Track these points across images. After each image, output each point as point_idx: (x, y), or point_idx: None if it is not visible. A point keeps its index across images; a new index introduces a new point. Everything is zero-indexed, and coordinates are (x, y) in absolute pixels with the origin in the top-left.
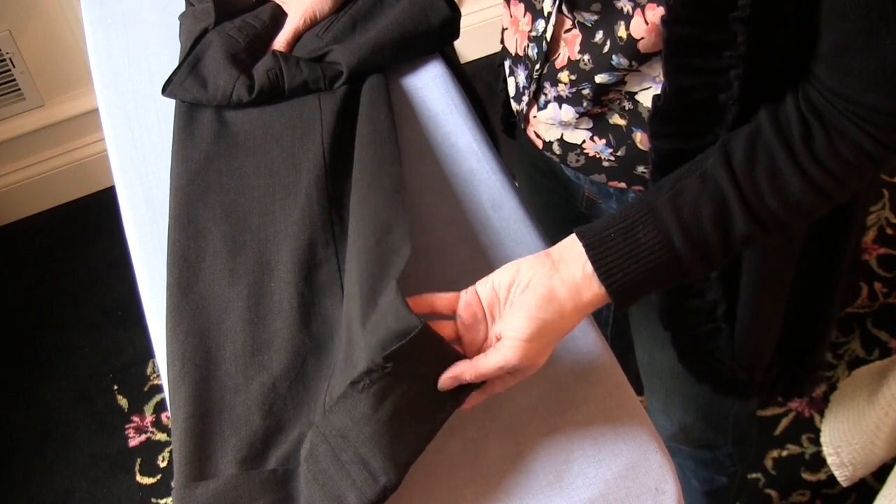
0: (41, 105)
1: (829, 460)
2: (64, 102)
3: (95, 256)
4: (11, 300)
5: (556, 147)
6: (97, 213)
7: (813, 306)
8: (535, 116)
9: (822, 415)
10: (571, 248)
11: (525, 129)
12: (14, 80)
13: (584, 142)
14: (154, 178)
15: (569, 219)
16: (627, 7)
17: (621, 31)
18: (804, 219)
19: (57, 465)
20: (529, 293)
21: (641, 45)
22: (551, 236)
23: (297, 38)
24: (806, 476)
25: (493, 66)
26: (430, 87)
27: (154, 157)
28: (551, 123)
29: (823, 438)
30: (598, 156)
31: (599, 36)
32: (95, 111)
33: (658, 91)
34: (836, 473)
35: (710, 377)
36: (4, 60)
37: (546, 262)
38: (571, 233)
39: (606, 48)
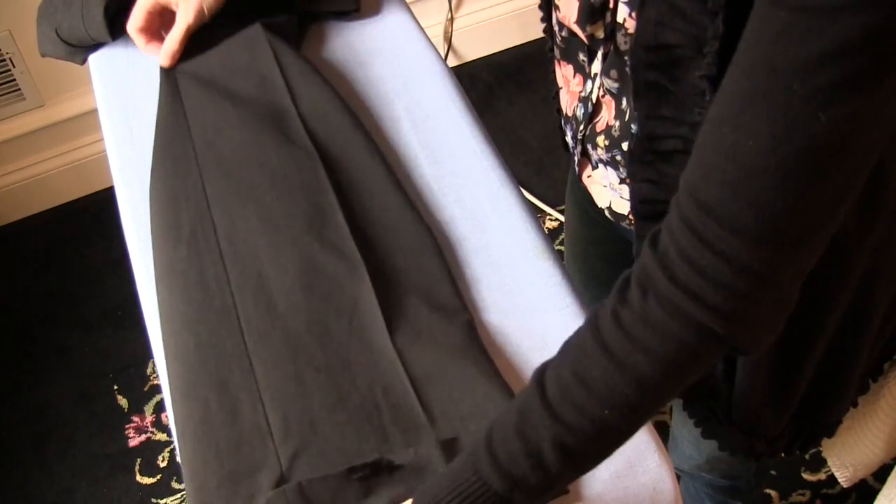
0: (41, 105)
1: (830, 461)
2: (64, 102)
3: (95, 256)
4: (11, 300)
5: (607, 214)
6: (97, 213)
7: (835, 365)
8: (589, 176)
9: None
10: None
11: (584, 188)
12: (14, 80)
13: (629, 213)
14: None
15: (626, 258)
16: None
17: None
18: (642, 419)
19: (57, 465)
20: None
21: None
22: (598, 270)
23: (188, 37)
24: (806, 476)
25: (493, 65)
26: (429, 83)
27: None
28: (603, 185)
29: (824, 439)
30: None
31: (624, 103)
32: (95, 111)
33: None
34: (837, 474)
35: (713, 435)
36: (4, 60)
37: None
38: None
39: (628, 116)
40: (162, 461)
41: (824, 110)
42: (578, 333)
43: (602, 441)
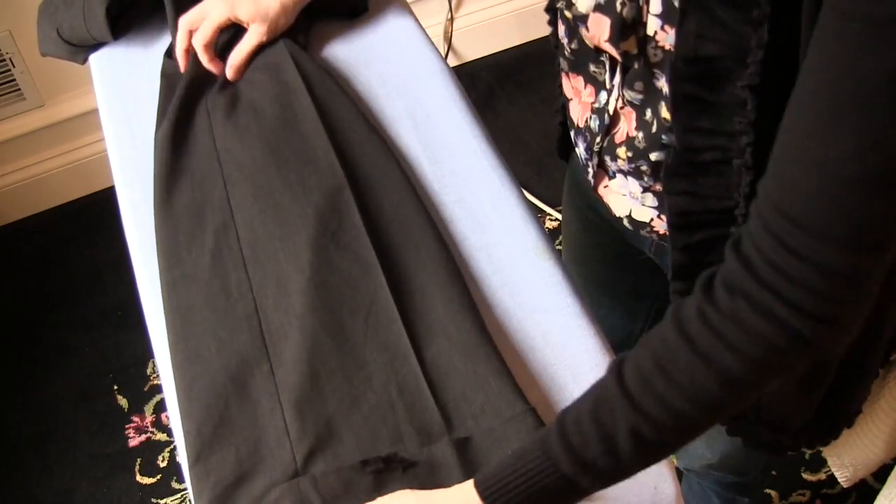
0: (41, 105)
1: (830, 461)
2: (64, 102)
3: (95, 256)
4: (11, 300)
5: (626, 222)
6: (97, 213)
7: (858, 356)
8: (606, 187)
9: None
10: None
11: (598, 197)
12: (14, 80)
13: (651, 220)
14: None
15: (629, 261)
16: (665, 87)
17: (664, 112)
18: (721, 414)
19: (57, 465)
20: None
21: None
22: (597, 272)
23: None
24: (806, 476)
25: (493, 65)
26: (429, 83)
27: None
28: (622, 194)
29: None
30: (667, 233)
31: (648, 114)
32: (95, 111)
33: None
34: (837, 474)
35: (738, 432)
36: (4, 60)
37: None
38: (630, 274)
39: (655, 128)
40: (162, 461)
41: None
42: (659, 329)
43: (678, 432)
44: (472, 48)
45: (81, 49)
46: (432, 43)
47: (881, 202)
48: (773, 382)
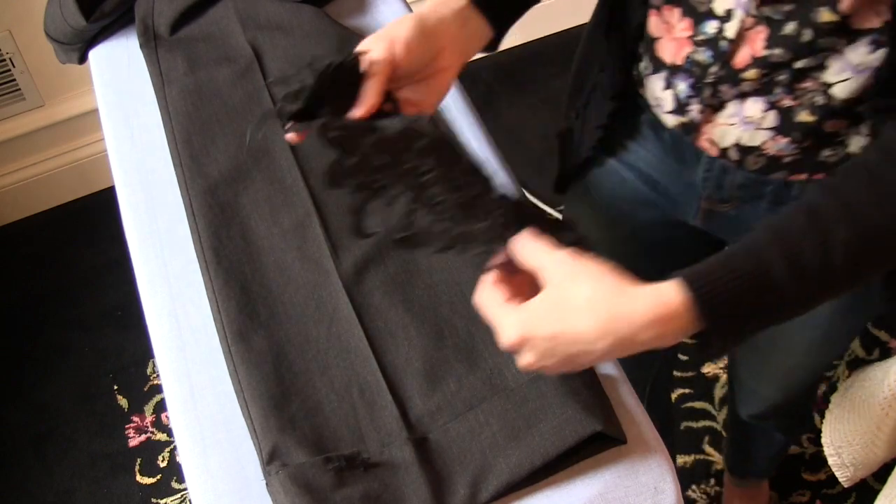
0: (41, 105)
1: (830, 461)
2: (64, 102)
3: (95, 256)
4: (11, 300)
5: (732, 153)
6: (97, 213)
7: None
8: (710, 122)
9: (822, 415)
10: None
11: (694, 141)
12: (14, 80)
13: (764, 143)
14: (154, 178)
15: (672, 236)
16: None
17: (825, 16)
18: None
19: (57, 465)
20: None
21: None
22: (627, 259)
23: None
24: (806, 476)
25: (493, 65)
26: None
27: (154, 156)
28: (731, 124)
29: (824, 439)
30: (779, 153)
31: (792, 27)
32: (95, 111)
33: (854, 82)
34: (837, 474)
35: None
36: (4, 60)
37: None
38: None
39: (808, 36)
40: (162, 461)
41: None
42: (856, 162)
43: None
44: None
45: (74, 47)
46: None
47: None
48: None
